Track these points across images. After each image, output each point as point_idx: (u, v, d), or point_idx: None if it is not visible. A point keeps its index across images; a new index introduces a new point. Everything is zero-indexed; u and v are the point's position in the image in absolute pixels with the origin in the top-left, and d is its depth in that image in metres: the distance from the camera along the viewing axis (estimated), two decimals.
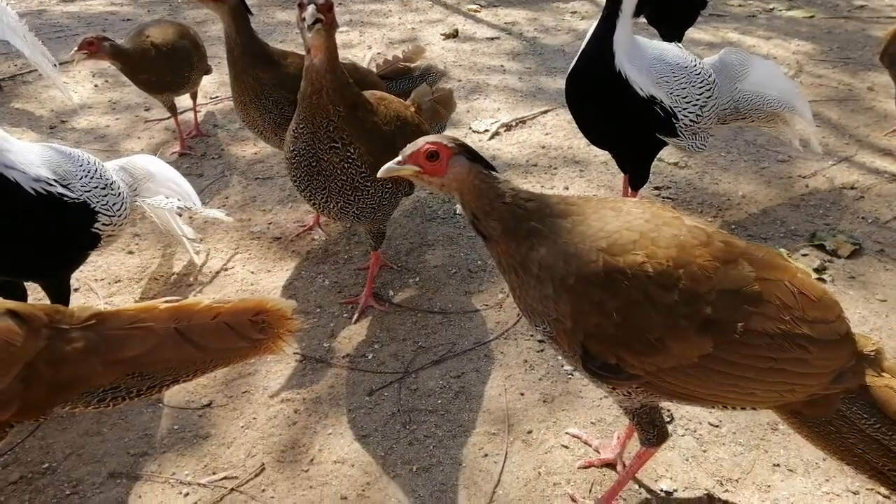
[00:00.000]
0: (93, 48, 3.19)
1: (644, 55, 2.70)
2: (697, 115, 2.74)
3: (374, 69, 3.19)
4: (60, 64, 4.17)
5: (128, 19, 5.90)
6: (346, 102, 2.19)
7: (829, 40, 5.18)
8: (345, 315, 2.59)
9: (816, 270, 2.76)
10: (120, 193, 2.32)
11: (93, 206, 2.18)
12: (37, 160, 2.08)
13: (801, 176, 3.47)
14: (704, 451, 2.02)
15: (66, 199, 2.09)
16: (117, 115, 4.20)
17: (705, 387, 1.52)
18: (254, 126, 2.88)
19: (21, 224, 2.01)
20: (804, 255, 2.87)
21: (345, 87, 2.19)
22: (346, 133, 2.19)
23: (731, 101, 2.89)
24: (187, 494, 1.93)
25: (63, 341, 1.56)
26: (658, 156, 3.03)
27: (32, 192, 2.00)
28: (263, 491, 1.94)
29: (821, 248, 2.90)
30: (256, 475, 1.98)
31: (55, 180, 2.08)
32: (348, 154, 2.21)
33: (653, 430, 1.70)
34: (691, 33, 4.92)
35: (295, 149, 2.25)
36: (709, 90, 2.77)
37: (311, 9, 2.01)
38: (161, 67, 3.41)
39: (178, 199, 2.57)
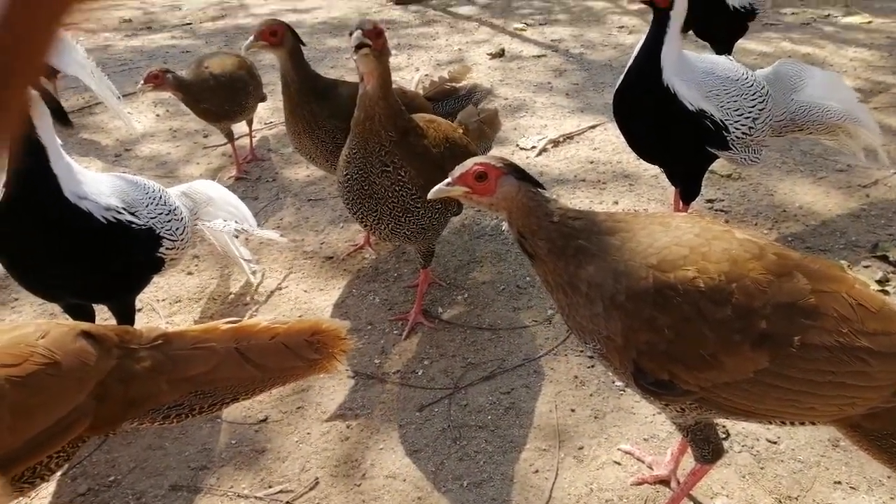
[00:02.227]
0: (157, 81, 3.36)
1: (693, 69, 2.68)
2: (750, 128, 2.69)
3: (421, 90, 3.25)
4: (124, 96, 4.38)
5: (187, 51, 6.16)
6: (397, 129, 2.25)
7: (889, 46, 5.03)
8: (395, 332, 2.63)
9: (879, 282, 2.66)
10: (182, 218, 2.42)
11: (158, 231, 2.28)
12: (107, 189, 2.20)
13: (860, 185, 3.36)
14: (762, 468, 1.97)
15: (133, 225, 2.20)
16: (177, 142, 4.38)
17: (762, 402, 1.49)
18: (307, 154, 2.98)
19: (93, 251, 2.12)
20: (866, 267, 2.77)
21: (397, 114, 2.26)
22: (397, 157, 2.25)
23: (786, 112, 2.83)
24: None
25: (132, 360, 1.64)
26: (710, 168, 2.99)
27: (103, 220, 2.11)
28: None
29: (884, 259, 2.81)
30: (311, 489, 2.02)
31: (124, 208, 2.19)
32: (399, 177, 2.26)
33: (707, 447, 1.67)
34: (744, 43, 4.84)
35: (348, 173, 2.31)
36: (762, 102, 2.72)
37: (357, 33, 2.07)
38: (219, 97, 3.55)
39: (236, 222, 2.66)
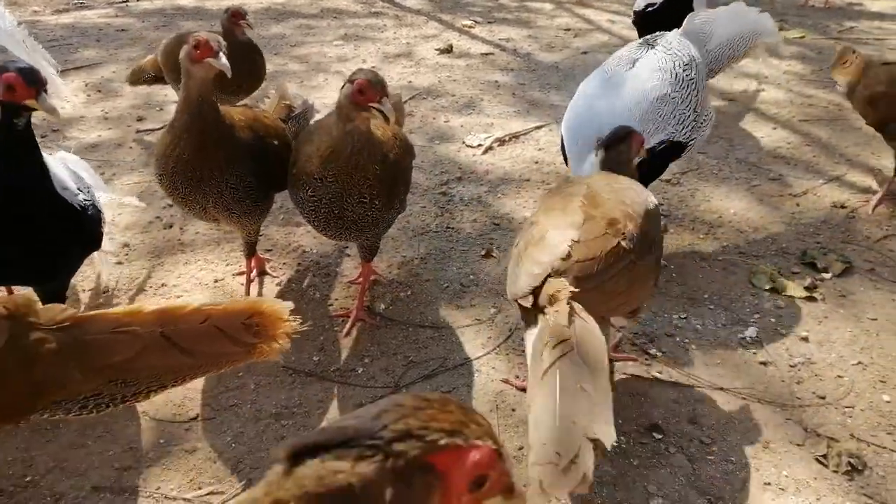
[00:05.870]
0: None
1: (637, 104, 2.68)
2: (695, 117, 2.76)
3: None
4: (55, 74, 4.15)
5: (122, 30, 5.91)
6: (379, 159, 2.23)
7: (820, 61, 5.23)
8: (335, 328, 2.57)
9: (807, 289, 2.75)
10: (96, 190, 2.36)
11: (98, 206, 2.25)
12: (61, 172, 2.14)
13: (791, 194, 3.48)
14: (695, 469, 2.01)
15: (86, 203, 2.16)
16: (109, 125, 4.19)
17: None
18: (202, 205, 2.34)
19: (52, 229, 2.05)
20: (795, 273, 2.87)
21: (377, 143, 2.25)
22: (376, 190, 2.24)
23: (707, 65, 3.09)
24: None
25: (33, 340, 1.50)
26: None
27: (76, 205, 2.10)
28: None
29: (812, 266, 2.91)
30: (243, 490, 1.95)
31: (79, 188, 2.16)
32: (374, 206, 2.28)
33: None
34: None
35: (316, 195, 2.24)
36: (695, 91, 2.77)
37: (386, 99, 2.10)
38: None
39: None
